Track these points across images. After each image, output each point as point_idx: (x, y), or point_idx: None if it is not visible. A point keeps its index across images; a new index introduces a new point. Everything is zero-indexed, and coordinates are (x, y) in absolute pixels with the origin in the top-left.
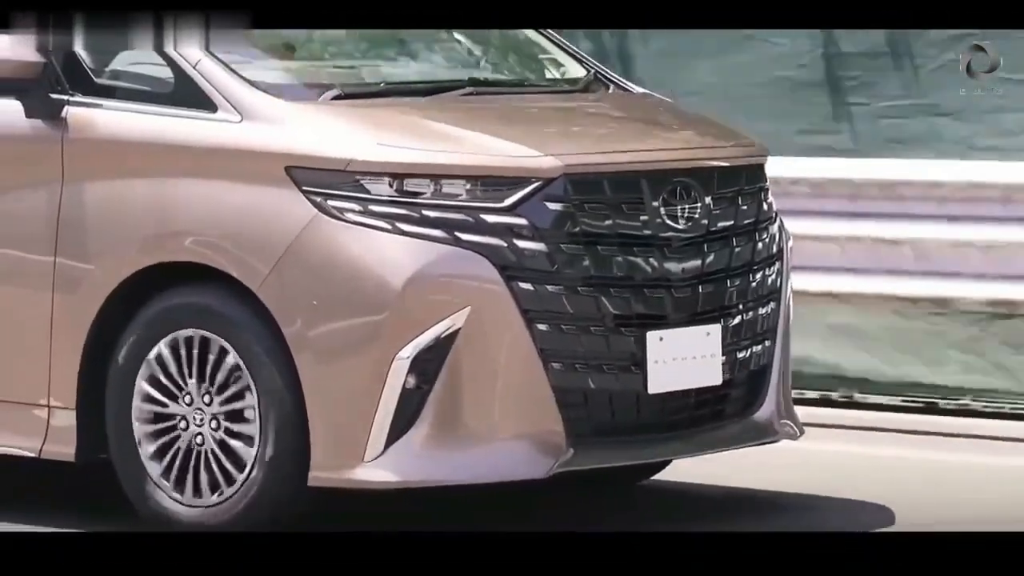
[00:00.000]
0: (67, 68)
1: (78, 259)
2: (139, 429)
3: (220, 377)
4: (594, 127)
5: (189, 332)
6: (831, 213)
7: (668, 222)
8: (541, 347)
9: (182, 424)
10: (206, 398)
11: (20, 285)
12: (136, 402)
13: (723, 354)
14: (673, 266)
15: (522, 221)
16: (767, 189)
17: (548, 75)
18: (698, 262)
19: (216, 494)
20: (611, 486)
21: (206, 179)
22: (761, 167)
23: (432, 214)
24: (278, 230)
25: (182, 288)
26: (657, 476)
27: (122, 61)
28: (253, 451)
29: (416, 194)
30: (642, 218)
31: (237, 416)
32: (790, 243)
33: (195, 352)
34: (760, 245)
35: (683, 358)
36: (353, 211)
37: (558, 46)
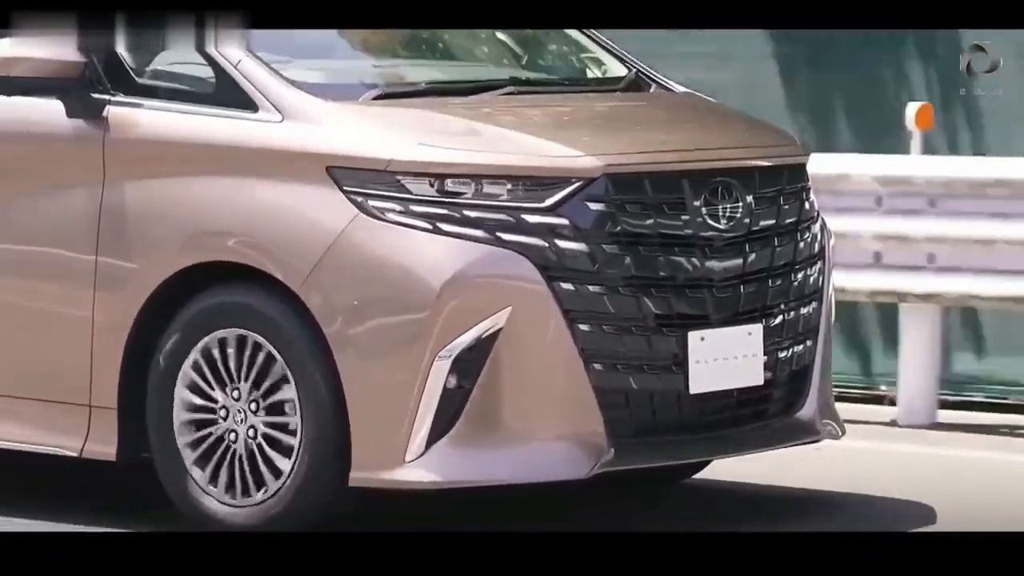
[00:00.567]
0: (108, 68)
1: (119, 259)
2: (180, 429)
3: (261, 377)
4: (636, 127)
5: (230, 332)
6: None
7: (710, 222)
8: (582, 347)
9: (223, 424)
10: (247, 398)
11: (62, 285)
12: (177, 402)
13: (765, 354)
14: (715, 265)
15: (563, 221)
16: (809, 188)
17: (590, 74)
18: (740, 262)
19: (257, 494)
20: (651, 485)
21: (247, 179)
22: (803, 166)
23: (473, 214)
24: (319, 230)
25: (223, 288)
26: (698, 475)
27: (163, 61)
28: (294, 451)
29: (457, 194)
30: (683, 218)
31: (278, 415)
32: (832, 242)
33: (236, 352)
34: (802, 244)
35: (725, 358)
36: (394, 211)
37: (600, 45)
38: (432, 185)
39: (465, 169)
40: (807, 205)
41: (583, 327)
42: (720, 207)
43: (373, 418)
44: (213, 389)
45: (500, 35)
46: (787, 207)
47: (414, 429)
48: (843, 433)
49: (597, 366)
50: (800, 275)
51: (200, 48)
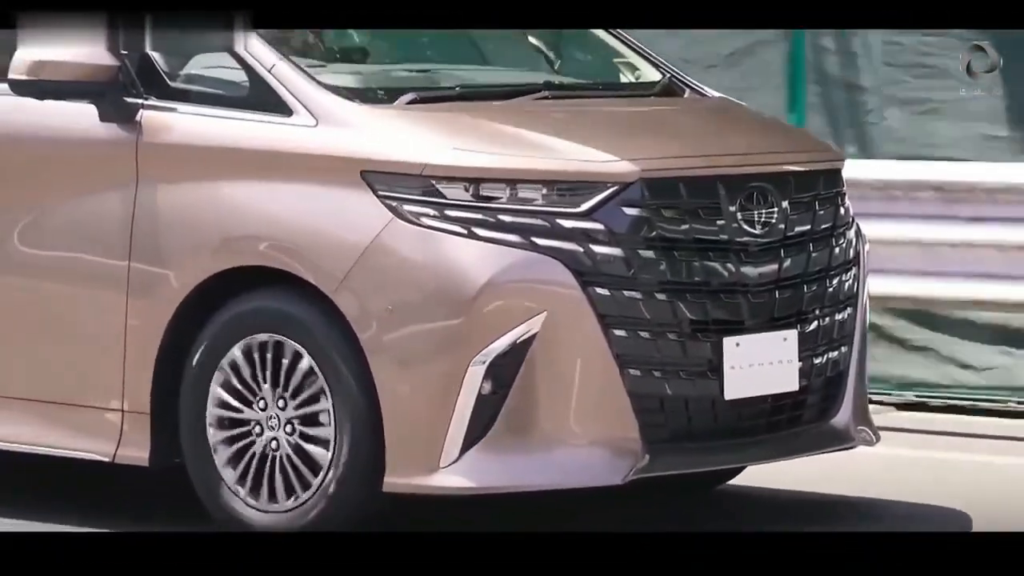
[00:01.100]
0: (141, 71)
1: (152, 263)
2: (213, 434)
3: (295, 382)
4: (670, 131)
5: (264, 337)
6: None
7: (745, 227)
8: (617, 352)
9: (256, 429)
10: (280, 403)
11: (94, 289)
12: (210, 407)
13: (800, 360)
14: (750, 271)
15: (599, 226)
16: (844, 194)
17: (623, 79)
18: (775, 267)
19: (291, 499)
20: (684, 491)
21: (281, 183)
22: (838, 172)
23: (508, 219)
24: (354, 235)
25: (257, 292)
26: (732, 481)
27: (196, 64)
28: (328, 456)
29: (492, 199)
30: (719, 223)
31: (312, 421)
32: (866, 248)
33: (270, 357)
34: (837, 250)
35: (760, 364)
36: (429, 216)
37: (633, 49)
38: (467, 190)
39: (500, 174)
40: (842, 210)
41: (618, 332)
42: (755, 212)
43: (407, 423)
44: (246, 394)
45: (532, 39)
46: (822, 212)
47: (448, 435)
48: (878, 439)
49: (632, 371)
50: (835, 281)
51: (234, 52)
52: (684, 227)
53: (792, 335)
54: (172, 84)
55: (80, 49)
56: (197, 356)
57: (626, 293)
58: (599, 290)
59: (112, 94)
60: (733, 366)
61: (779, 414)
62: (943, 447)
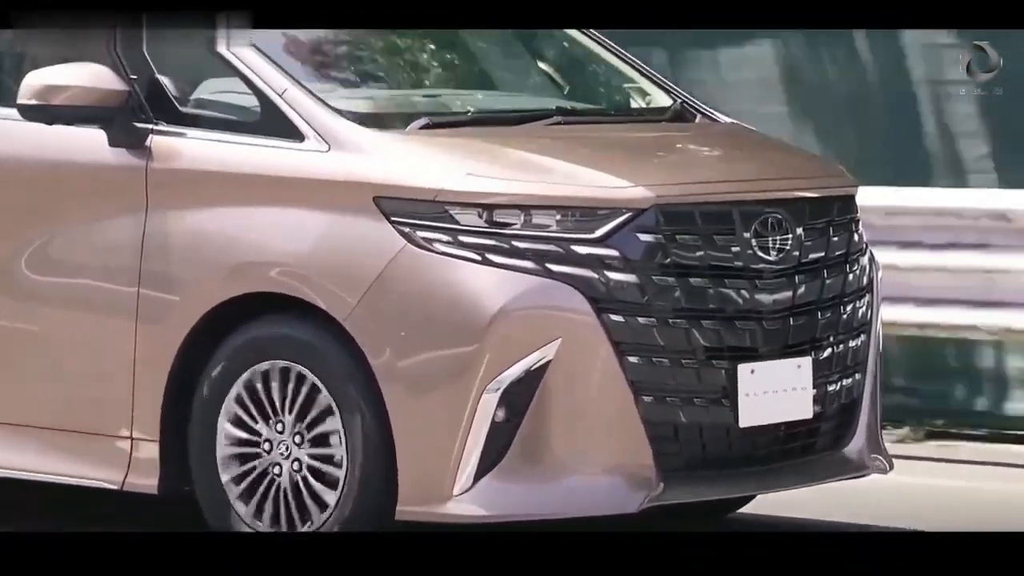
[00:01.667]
0: (151, 96)
1: (162, 290)
2: (223, 462)
3: (306, 409)
4: (684, 157)
5: (274, 364)
6: None
7: (759, 253)
8: (632, 379)
9: (267, 457)
10: (292, 430)
11: (103, 315)
12: (220, 434)
13: (814, 387)
14: (764, 298)
15: (613, 252)
16: (858, 220)
17: (633, 104)
18: (789, 294)
19: (303, 527)
20: (695, 519)
21: (292, 209)
22: (852, 198)
23: (522, 245)
24: (366, 261)
25: (267, 319)
26: (742, 509)
27: (206, 89)
28: (339, 484)
29: (506, 224)
30: (733, 249)
31: (323, 448)
32: (880, 274)
33: (280, 384)
34: (851, 277)
35: (774, 391)
36: (442, 242)
37: (643, 75)
38: (481, 216)
39: (514, 199)
40: (856, 237)
41: (632, 359)
42: (770, 239)
43: (420, 451)
44: (257, 422)
45: (542, 64)
46: (836, 239)
47: (462, 462)
48: (891, 468)
49: (647, 399)
50: (849, 308)
51: (244, 77)
52: (699, 253)
53: (806, 362)
54: (182, 109)
55: (89, 73)
56: (207, 383)
57: (640, 320)
58: (613, 317)
59: (121, 119)
60: (748, 393)
61: (793, 442)
62: (958, 475)
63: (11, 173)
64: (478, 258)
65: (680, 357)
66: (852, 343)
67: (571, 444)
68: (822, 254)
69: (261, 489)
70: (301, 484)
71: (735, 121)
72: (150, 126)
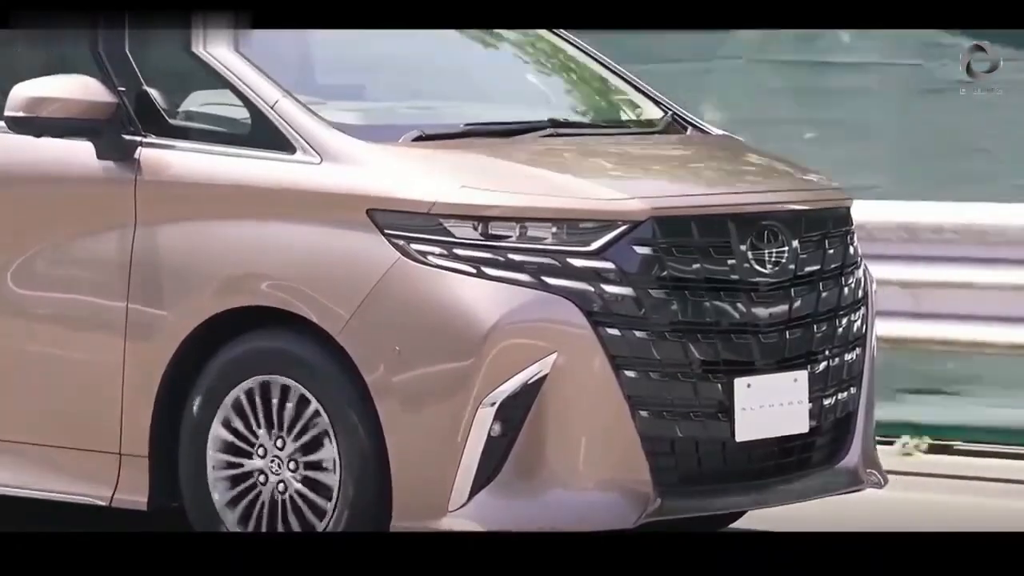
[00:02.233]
0: (139, 108)
1: (151, 304)
2: (213, 478)
3: (298, 425)
4: (679, 169)
5: (266, 378)
6: None
7: (756, 266)
8: (628, 394)
9: (258, 473)
10: (283, 446)
11: (91, 331)
12: (211, 451)
13: (810, 401)
14: (760, 311)
15: (609, 265)
16: (853, 232)
17: (623, 116)
18: (785, 307)
19: None
20: (687, 533)
21: (284, 222)
22: (847, 210)
23: (518, 258)
24: (359, 274)
25: (258, 333)
26: (734, 524)
27: (196, 101)
28: (332, 500)
29: (501, 237)
30: (730, 262)
31: (315, 464)
32: (874, 288)
33: (272, 399)
34: (846, 290)
35: (770, 405)
36: (437, 255)
37: (634, 87)
38: (476, 228)
39: (509, 212)
40: (851, 250)
41: (629, 373)
42: (766, 251)
43: (415, 466)
44: (248, 437)
45: (530, 76)
46: (832, 252)
47: (457, 478)
48: (886, 482)
49: (643, 413)
50: (844, 321)
51: (235, 88)
52: (695, 266)
53: (802, 376)
54: (171, 121)
55: (77, 85)
56: (197, 399)
57: (637, 333)
58: (610, 330)
59: (110, 132)
60: (744, 407)
61: (788, 456)
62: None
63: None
64: (473, 271)
65: (677, 371)
66: (847, 356)
67: (567, 459)
68: (818, 267)
69: (252, 506)
70: (293, 499)
71: (727, 133)
72: (139, 138)
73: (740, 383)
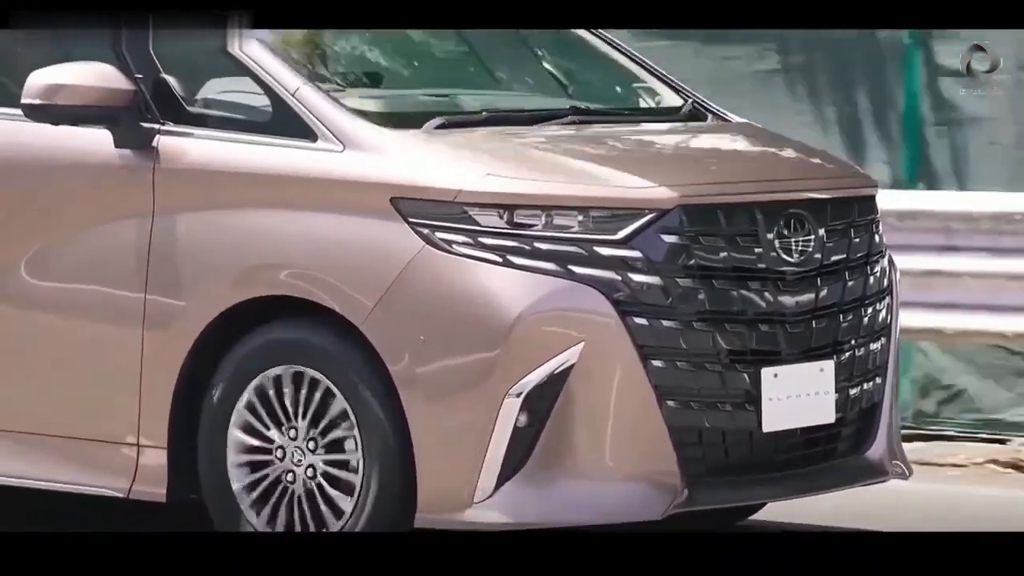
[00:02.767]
0: (157, 96)
1: (170, 294)
2: (234, 470)
3: (320, 415)
4: (704, 157)
5: (287, 369)
6: None
7: (782, 255)
8: (655, 384)
9: (280, 464)
10: (305, 437)
11: (109, 321)
12: (231, 442)
13: (836, 391)
14: (787, 300)
15: (636, 254)
16: (878, 221)
17: (642, 104)
18: (811, 296)
19: None
20: (706, 526)
21: (305, 210)
22: (872, 198)
23: (544, 246)
24: (383, 263)
25: (280, 323)
26: (753, 517)
27: (215, 89)
28: (355, 492)
29: (527, 226)
30: (757, 251)
31: (338, 456)
32: (898, 276)
33: (293, 390)
34: (871, 279)
35: (797, 395)
36: (462, 243)
37: (652, 74)
38: (501, 216)
39: (535, 200)
40: (876, 238)
41: (656, 363)
42: (792, 240)
43: (440, 458)
44: (269, 428)
45: (547, 64)
46: (857, 240)
47: (483, 469)
48: (911, 474)
49: (671, 403)
50: (870, 310)
51: (255, 75)
52: (722, 255)
53: (829, 366)
54: (190, 108)
55: (94, 72)
56: (217, 389)
57: (664, 323)
58: (637, 320)
59: (127, 119)
60: (771, 398)
61: (814, 447)
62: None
63: (14, 174)
64: (499, 260)
65: (704, 361)
66: (873, 346)
67: (594, 450)
68: (843, 256)
69: (273, 497)
70: (315, 492)
71: (747, 121)
72: (157, 126)
73: (767, 373)
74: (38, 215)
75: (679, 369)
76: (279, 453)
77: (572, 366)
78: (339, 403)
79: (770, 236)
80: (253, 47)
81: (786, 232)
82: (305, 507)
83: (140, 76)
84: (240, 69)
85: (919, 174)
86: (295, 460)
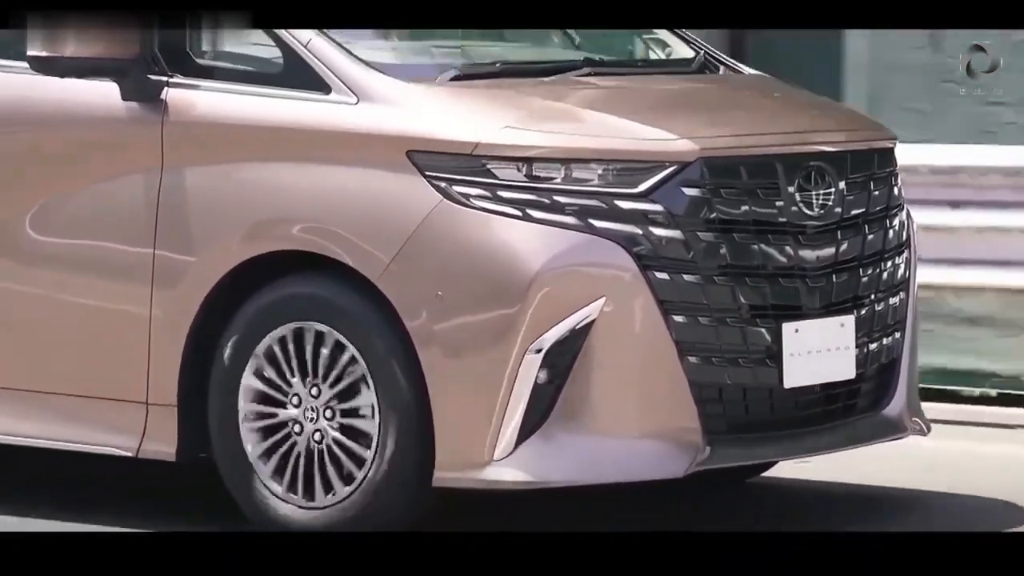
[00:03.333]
0: (166, 48)
1: (179, 250)
2: (246, 428)
3: (334, 372)
4: (723, 109)
5: (300, 325)
6: None
7: (803, 209)
8: (677, 339)
9: (292, 423)
10: (319, 395)
11: (117, 278)
12: (242, 400)
13: (856, 346)
14: (808, 254)
15: (657, 207)
16: (897, 174)
17: (653, 56)
18: (832, 250)
19: (329, 495)
20: (716, 485)
21: (319, 164)
22: (891, 151)
23: (563, 200)
24: (400, 217)
25: (292, 279)
26: (766, 473)
27: (225, 40)
28: (371, 450)
29: (546, 179)
30: (778, 204)
31: (353, 413)
32: (916, 231)
33: (307, 346)
34: (891, 233)
35: (818, 351)
36: (480, 197)
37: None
38: (520, 170)
39: (555, 153)
40: (895, 191)
41: (678, 318)
42: (813, 193)
43: (459, 415)
44: (280, 386)
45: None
46: (877, 193)
47: (503, 426)
48: (929, 430)
49: (692, 359)
50: (889, 265)
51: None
52: (743, 208)
53: (849, 320)
54: (199, 61)
55: (101, 24)
56: (228, 347)
57: (686, 277)
58: (658, 274)
59: (135, 71)
60: (792, 353)
61: (834, 403)
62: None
63: (18, 128)
64: (518, 214)
65: (725, 316)
66: (892, 301)
67: (616, 407)
68: (863, 209)
69: (286, 456)
70: (330, 450)
71: (761, 72)
72: (165, 78)
73: (788, 328)
74: (42, 170)
75: (700, 324)
76: (291, 411)
77: (593, 321)
78: (353, 360)
79: (791, 189)
80: None
81: (807, 185)
82: (316, 468)
83: (147, 27)
84: None
85: None
86: (309, 419)
